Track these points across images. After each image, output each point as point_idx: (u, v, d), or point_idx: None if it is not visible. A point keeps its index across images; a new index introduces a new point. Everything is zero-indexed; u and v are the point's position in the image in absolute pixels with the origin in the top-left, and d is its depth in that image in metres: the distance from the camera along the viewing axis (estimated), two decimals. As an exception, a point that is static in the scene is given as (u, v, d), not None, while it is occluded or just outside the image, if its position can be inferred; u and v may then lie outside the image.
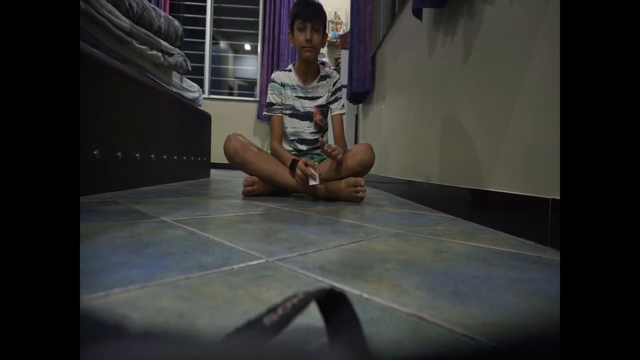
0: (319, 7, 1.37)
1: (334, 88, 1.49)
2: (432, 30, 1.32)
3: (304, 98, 1.46)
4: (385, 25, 2.46)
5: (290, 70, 1.47)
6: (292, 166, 1.29)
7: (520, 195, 0.73)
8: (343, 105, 1.50)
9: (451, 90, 1.12)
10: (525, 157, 0.73)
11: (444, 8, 1.17)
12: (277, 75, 1.47)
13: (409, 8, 1.54)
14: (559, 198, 0.61)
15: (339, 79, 1.51)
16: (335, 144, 1.42)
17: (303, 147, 1.49)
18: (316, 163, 1.28)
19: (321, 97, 1.48)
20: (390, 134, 1.97)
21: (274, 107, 1.45)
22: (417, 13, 1.29)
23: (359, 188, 1.27)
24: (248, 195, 1.31)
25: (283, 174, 1.31)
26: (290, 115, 1.47)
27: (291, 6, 4.18)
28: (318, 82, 1.47)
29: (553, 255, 0.57)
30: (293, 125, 1.47)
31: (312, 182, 1.25)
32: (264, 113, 1.48)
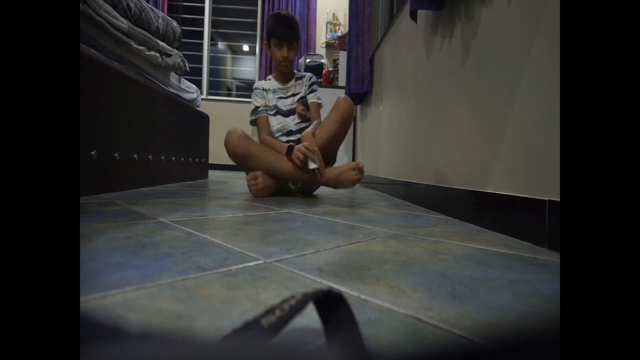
0: (294, 25, 1.50)
1: (309, 82, 1.62)
2: (430, 32, 1.32)
3: (285, 97, 1.59)
4: (384, 26, 2.46)
5: (269, 79, 1.62)
6: (289, 151, 1.34)
7: (518, 196, 0.73)
8: (319, 97, 1.62)
9: (449, 92, 1.13)
10: (523, 159, 0.73)
11: (441, 10, 1.17)
12: (258, 83, 1.61)
13: (407, 10, 1.55)
14: (556, 199, 0.62)
15: (312, 76, 1.66)
16: (313, 123, 1.53)
17: (292, 138, 1.56)
18: (315, 148, 1.30)
19: (300, 92, 1.61)
20: (389, 135, 1.98)
21: (259, 109, 1.55)
22: (413, 15, 1.29)
23: (359, 169, 1.35)
24: (258, 194, 1.33)
25: (284, 163, 1.35)
26: (275, 114, 1.57)
27: (290, 8, 4.20)
28: (295, 81, 1.61)
29: (550, 257, 0.57)
30: (279, 122, 1.57)
31: (312, 165, 1.27)
32: (250, 118, 1.57)
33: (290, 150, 1.33)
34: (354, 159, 3.29)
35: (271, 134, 1.56)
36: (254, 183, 1.33)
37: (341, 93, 2.96)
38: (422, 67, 1.42)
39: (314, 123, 1.51)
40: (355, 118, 3.23)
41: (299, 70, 1.72)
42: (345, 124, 1.46)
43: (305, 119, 1.60)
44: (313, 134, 1.41)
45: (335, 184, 1.37)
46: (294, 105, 1.59)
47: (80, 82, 1.02)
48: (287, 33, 1.47)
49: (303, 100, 1.61)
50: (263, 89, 1.59)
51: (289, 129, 1.57)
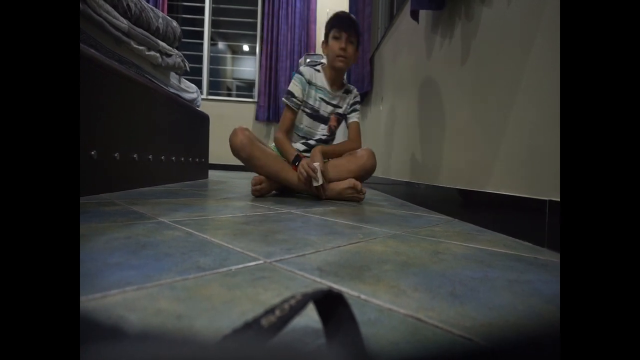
0: (356, 23, 1.42)
1: (353, 101, 1.55)
2: (430, 32, 1.32)
3: (327, 103, 1.49)
4: (384, 26, 2.46)
5: (319, 71, 1.48)
6: (295, 161, 1.32)
7: (518, 196, 0.73)
8: (359, 116, 1.57)
9: (449, 92, 1.13)
10: (523, 159, 0.73)
11: (442, 10, 1.17)
12: (306, 70, 1.46)
13: (407, 10, 1.55)
14: (556, 199, 0.62)
15: (358, 94, 1.58)
16: (348, 144, 1.49)
17: (311, 143, 1.51)
18: (317, 164, 1.30)
19: (342, 107, 1.53)
20: (389, 135, 1.98)
21: (294, 99, 1.44)
22: (414, 15, 1.30)
23: (359, 191, 1.35)
24: (257, 194, 1.33)
25: (288, 172, 1.34)
26: (308, 115, 1.48)
27: (290, 8, 4.20)
28: (343, 93, 1.52)
29: (550, 257, 0.57)
30: (308, 125, 1.49)
31: (315, 183, 1.29)
32: (283, 98, 1.47)
33: (296, 160, 1.32)
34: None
35: (296, 129, 1.49)
36: (258, 189, 1.33)
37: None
38: (422, 67, 1.42)
39: (348, 142, 1.48)
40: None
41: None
42: (362, 177, 1.41)
43: (333, 134, 1.55)
44: (322, 154, 1.37)
45: (338, 199, 1.37)
46: (330, 117, 1.51)
47: (80, 82, 1.02)
48: (347, 25, 1.38)
49: (339, 117, 1.54)
50: (308, 81, 1.45)
51: (314, 136, 1.51)
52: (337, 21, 1.39)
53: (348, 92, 1.54)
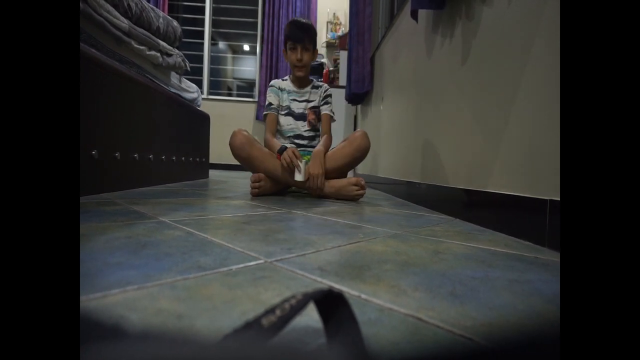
0: (309, 28, 1.55)
1: (324, 95, 1.67)
2: (430, 31, 1.32)
3: (299, 101, 1.63)
4: (384, 26, 2.46)
5: (286, 80, 1.67)
6: (280, 151, 1.37)
7: (519, 196, 0.73)
8: (332, 110, 1.66)
9: (450, 92, 1.13)
10: (524, 159, 0.73)
11: (442, 10, 1.17)
12: (275, 82, 1.67)
13: (407, 10, 1.55)
14: (557, 199, 0.62)
15: (328, 88, 1.70)
16: (321, 138, 1.57)
17: (301, 142, 1.61)
18: (304, 160, 1.34)
19: (314, 100, 1.66)
20: (389, 135, 1.98)
21: (271, 106, 1.61)
22: (414, 15, 1.29)
23: (361, 186, 1.37)
24: (256, 195, 1.35)
25: (286, 170, 1.38)
26: (286, 115, 1.62)
27: (290, 8, 4.20)
28: (311, 89, 1.66)
29: (551, 256, 0.57)
30: (288, 123, 1.62)
31: (297, 177, 1.32)
32: (264, 112, 1.63)
33: (282, 150, 1.37)
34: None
35: (281, 133, 1.63)
36: (257, 186, 1.35)
37: (342, 92, 2.95)
38: (422, 67, 1.42)
39: (323, 139, 1.53)
40: (355, 118, 3.23)
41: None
42: (359, 158, 1.48)
43: (314, 128, 1.64)
44: (324, 153, 1.43)
45: (337, 197, 1.39)
46: (306, 112, 1.63)
47: (81, 81, 1.02)
48: (300, 36, 1.52)
49: (315, 110, 1.65)
50: (279, 88, 1.64)
51: (299, 132, 1.62)
52: (291, 32, 1.54)
53: (317, 87, 1.68)
